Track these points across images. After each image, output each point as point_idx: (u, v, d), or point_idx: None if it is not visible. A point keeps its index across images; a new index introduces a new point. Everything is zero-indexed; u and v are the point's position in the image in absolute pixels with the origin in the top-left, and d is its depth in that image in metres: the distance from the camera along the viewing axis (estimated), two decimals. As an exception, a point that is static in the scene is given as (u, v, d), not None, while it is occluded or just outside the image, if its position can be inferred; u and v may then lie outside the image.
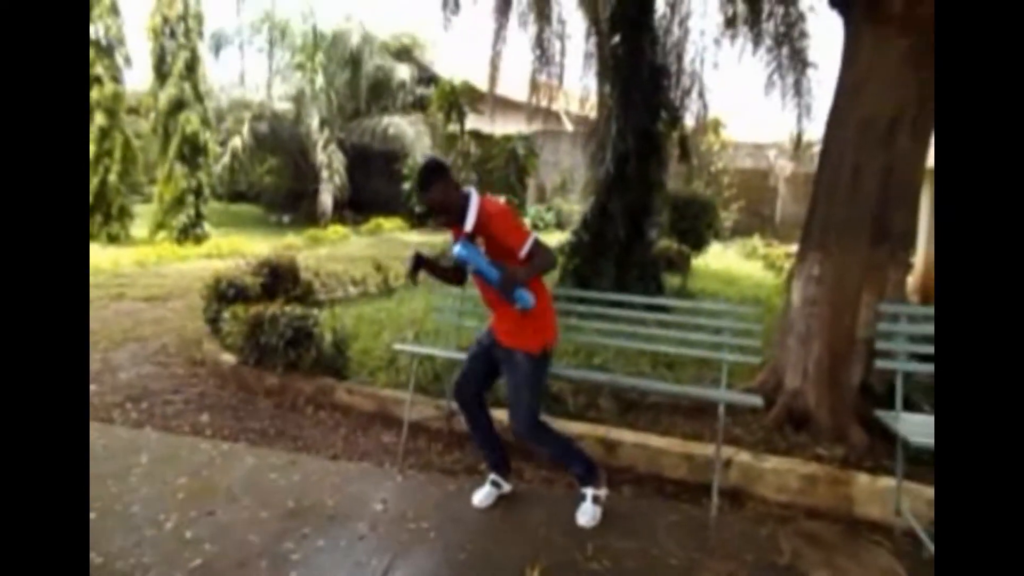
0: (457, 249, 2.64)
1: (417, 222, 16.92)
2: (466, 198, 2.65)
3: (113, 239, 12.56)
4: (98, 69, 12.29)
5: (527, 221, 14.57)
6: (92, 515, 2.69)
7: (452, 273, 3.05)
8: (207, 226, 13.28)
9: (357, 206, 17.29)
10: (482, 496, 2.92)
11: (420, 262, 2.83)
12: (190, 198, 12.87)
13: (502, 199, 2.72)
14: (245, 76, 20.43)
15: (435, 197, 2.64)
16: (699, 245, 9.30)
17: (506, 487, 2.97)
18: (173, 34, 12.61)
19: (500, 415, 3.12)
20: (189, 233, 12.70)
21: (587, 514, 2.76)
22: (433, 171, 2.65)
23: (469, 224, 2.61)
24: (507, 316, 2.73)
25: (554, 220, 16.09)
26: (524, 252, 2.59)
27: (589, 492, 2.79)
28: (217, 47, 17.93)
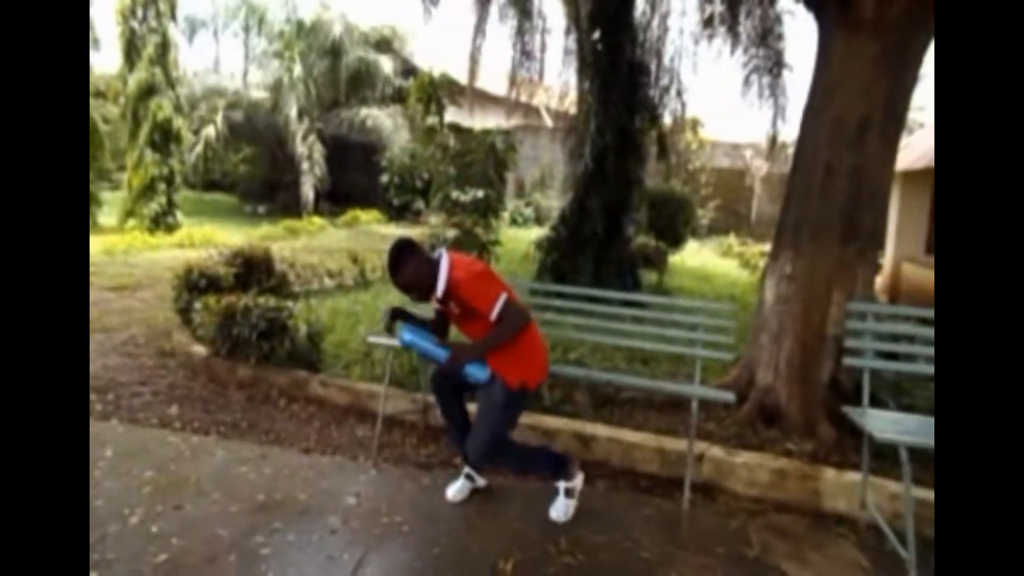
0: (404, 337, 2.73)
1: (395, 215, 16.80)
2: (435, 266, 2.63)
3: (80, 227, 12.24)
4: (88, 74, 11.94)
5: (505, 216, 14.54)
6: (55, 509, 2.62)
7: (432, 324, 2.94)
8: (179, 215, 13.00)
9: (334, 198, 17.08)
10: (456, 490, 2.92)
11: (395, 315, 2.84)
12: (161, 186, 12.55)
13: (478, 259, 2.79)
14: (220, 63, 20.04)
15: (406, 277, 2.64)
16: (676, 242, 9.40)
17: (480, 481, 2.97)
18: (144, 17, 12.27)
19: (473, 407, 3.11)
20: (160, 222, 12.41)
21: (559, 509, 2.77)
22: (402, 250, 2.64)
23: (439, 291, 2.62)
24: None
25: (532, 215, 16.11)
26: (493, 316, 2.58)
27: (561, 486, 2.80)
28: (191, 31, 17.54)
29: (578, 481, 2.83)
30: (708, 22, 7.67)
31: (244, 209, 17.59)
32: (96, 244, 10.23)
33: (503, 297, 2.59)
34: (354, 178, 17.69)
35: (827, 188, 3.52)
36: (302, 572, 2.33)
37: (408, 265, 2.63)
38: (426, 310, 2.97)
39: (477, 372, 2.64)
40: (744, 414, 3.58)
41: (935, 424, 2.33)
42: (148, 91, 12.39)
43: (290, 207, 16.16)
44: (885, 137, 3.51)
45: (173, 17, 12.91)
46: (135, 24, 12.27)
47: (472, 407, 3.03)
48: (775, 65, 7.64)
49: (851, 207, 3.48)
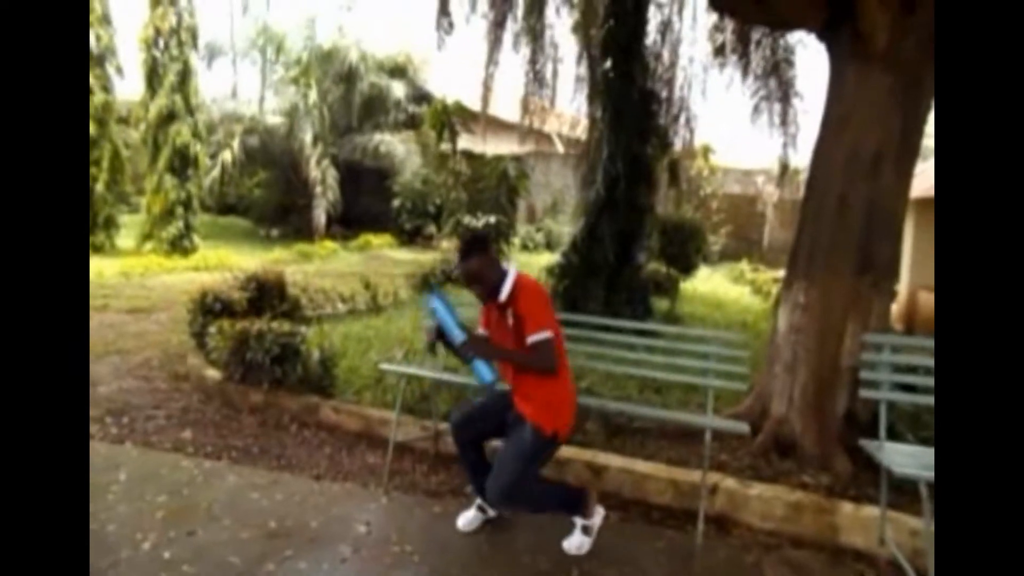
0: (433, 303, 2.71)
1: (406, 240, 16.92)
2: (504, 273, 2.69)
3: (98, 249, 12.41)
4: (89, 79, 12.24)
5: (516, 241, 14.60)
6: (68, 534, 2.63)
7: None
8: (196, 238, 13.19)
9: (347, 222, 17.26)
10: (467, 520, 2.89)
11: (439, 335, 2.79)
12: (179, 210, 12.78)
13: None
14: (237, 89, 20.46)
15: (474, 268, 2.68)
16: (687, 269, 9.37)
17: (492, 512, 2.94)
18: (166, 46, 12.61)
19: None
20: (178, 245, 12.60)
21: (573, 543, 2.73)
22: (478, 241, 2.72)
23: (504, 294, 2.64)
24: (525, 385, 2.70)
25: (544, 240, 16.16)
26: (530, 341, 2.57)
27: (579, 522, 2.75)
28: (210, 58, 17.96)
29: (597, 519, 2.78)
30: (719, 51, 7.78)
31: (258, 232, 17.81)
32: (114, 267, 10.39)
33: (549, 332, 2.59)
34: (367, 202, 17.89)
35: (841, 218, 3.52)
36: (312, 602, 2.31)
37: (479, 257, 2.67)
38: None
39: (484, 372, 2.59)
40: (758, 445, 3.53)
41: (935, 451, 2.29)
42: (168, 117, 12.68)
43: (303, 231, 16.35)
44: (900, 168, 3.51)
45: (195, 46, 13.24)
46: (157, 53, 12.60)
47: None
48: (785, 94, 7.72)
49: (865, 238, 3.47)
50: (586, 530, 2.74)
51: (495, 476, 2.59)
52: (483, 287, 2.70)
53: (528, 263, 10.36)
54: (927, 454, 2.70)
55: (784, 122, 7.94)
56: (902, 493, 2.84)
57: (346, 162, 17.02)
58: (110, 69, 13.00)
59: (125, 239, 13.33)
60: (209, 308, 5.05)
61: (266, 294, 5.59)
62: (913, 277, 8.18)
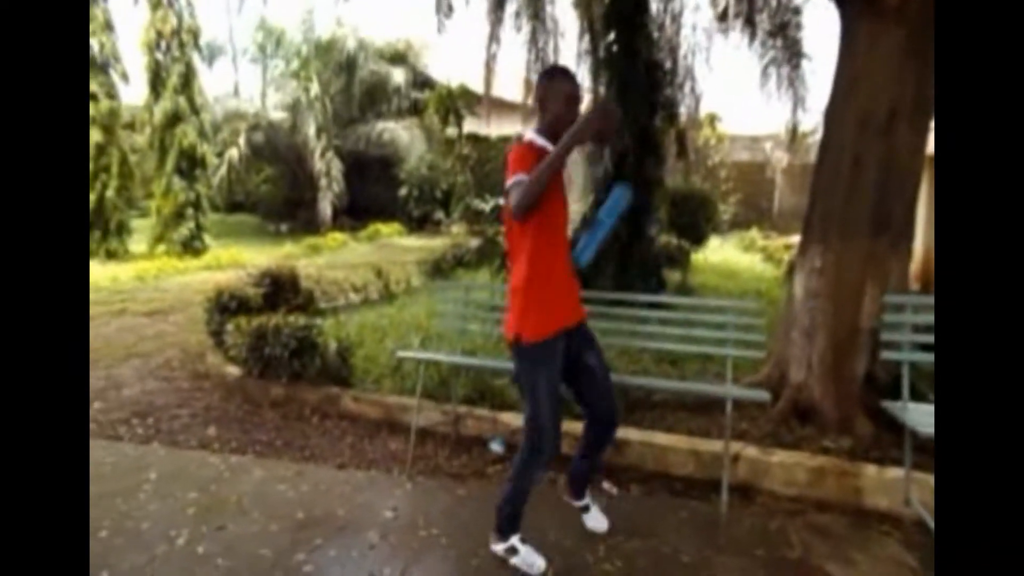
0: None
1: (415, 227, 16.94)
2: (540, 128, 2.35)
3: (112, 255, 12.55)
4: (93, 86, 12.28)
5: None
6: (103, 533, 2.69)
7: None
8: (207, 238, 13.29)
9: (354, 212, 17.31)
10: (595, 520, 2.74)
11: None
12: (189, 211, 12.87)
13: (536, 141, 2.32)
14: (239, 87, 20.48)
15: (536, 92, 2.39)
16: (698, 240, 9.29)
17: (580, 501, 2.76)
18: (168, 48, 12.60)
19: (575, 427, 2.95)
20: (189, 246, 12.72)
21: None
22: (546, 69, 2.45)
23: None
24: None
25: (553, 219, 16.08)
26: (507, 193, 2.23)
27: (497, 547, 2.46)
28: (210, 58, 17.96)
29: (508, 544, 2.44)
30: (723, 16, 7.63)
31: (267, 228, 17.91)
32: (128, 271, 10.51)
33: (516, 177, 2.17)
34: (373, 192, 17.91)
35: (856, 180, 3.46)
36: (344, 588, 2.35)
37: (540, 84, 2.38)
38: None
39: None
40: (778, 412, 3.52)
41: (935, 413, 2.27)
42: (173, 119, 12.73)
43: (312, 224, 16.42)
44: (915, 125, 3.43)
45: (196, 46, 13.22)
46: (159, 56, 12.61)
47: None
48: (793, 55, 7.57)
49: (881, 198, 3.42)
50: (510, 552, 2.43)
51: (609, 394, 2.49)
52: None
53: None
54: (951, 413, 2.68)
55: (792, 85, 7.79)
56: (925, 453, 2.82)
57: (351, 153, 17.03)
58: (114, 75, 13.02)
59: (137, 243, 13.46)
60: (225, 306, 5.11)
61: (280, 289, 5.65)
62: (928, 236, 8.06)
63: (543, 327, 2.27)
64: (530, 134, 2.35)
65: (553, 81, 2.34)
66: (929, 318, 2.89)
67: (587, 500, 2.76)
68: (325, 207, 16.27)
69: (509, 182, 2.19)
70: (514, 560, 2.42)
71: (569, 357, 2.38)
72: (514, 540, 2.45)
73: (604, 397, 2.48)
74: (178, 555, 2.56)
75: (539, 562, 2.41)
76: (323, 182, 16.03)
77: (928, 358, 2.88)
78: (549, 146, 2.28)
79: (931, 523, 2.61)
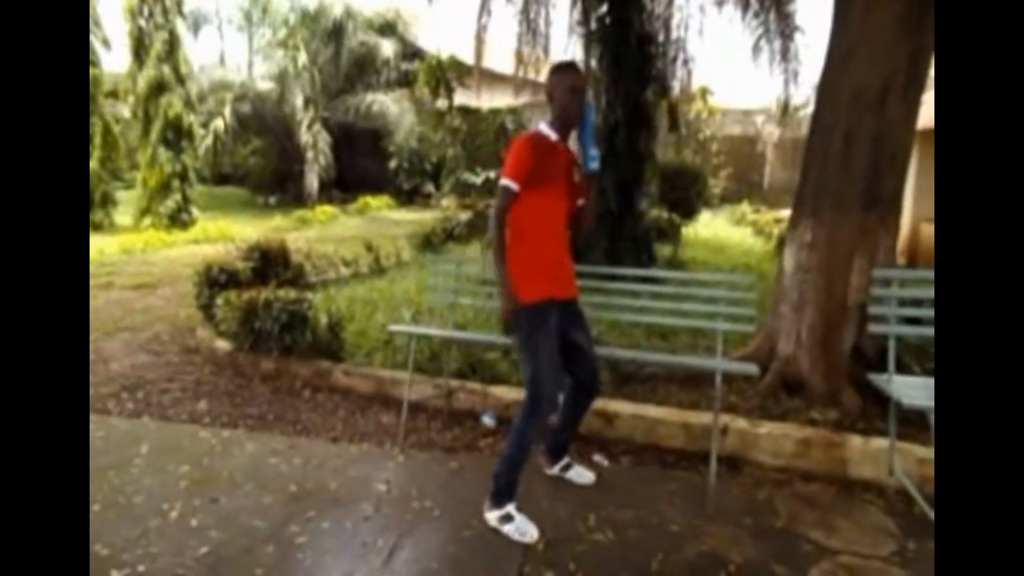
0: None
1: (405, 199, 16.80)
2: (552, 119, 2.64)
3: (97, 227, 12.37)
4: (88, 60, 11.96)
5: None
6: (95, 507, 2.70)
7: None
8: (194, 211, 13.11)
9: (343, 185, 17.12)
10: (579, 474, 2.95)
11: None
12: (176, 183, 12.66)
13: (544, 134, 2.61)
14: (225, 56, 20.05)
15: (546, 85, 2.64)
16: (689, 214, 9.33)
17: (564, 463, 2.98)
18: (151, 14, 12.26)
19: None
20: (176, 219, 12.54)
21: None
22: (556, 65, 2.70)
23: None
24: None
25: (544, 193, 16.00)
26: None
27: (492, 515, 2.54)
28: (195, 27, 17.53)
29: (502, 512, 2.53)
30: (715, -12, 7.52)
31: (255, 201, 17.70)
32: (114, 244, 10.37)
33: (503, 182, 2.49)
34: (363, 164, 17.70)
35: (847, 154, 3.46)
36: (338, 559, 2.38)
37: (549, 78, 2.64)
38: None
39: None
40: (766, 385, 3.57)
41: (935, 389, 2.29)
42: (158, 88, 12.43)
43: (301, 197, 16.23)
44: (907, 100, 3.42)
45: (180, 13, 12.86)
46: (142, 22, 12.26)
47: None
48: (786, 29, 7.49)
49: (872, 173, 3.42)
50: (504, 519, 2.51)
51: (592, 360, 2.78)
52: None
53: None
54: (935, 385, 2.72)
55: (785, 58, 7.72)
56: (909, 424, 2.88)
57: (339, 124, 16.76)
58: (95, 42, 12.68)
59: (122, 215, 13.27)
60: (215, 280, 5.07)
61: (270, 263, 5.60)
62: (916, 209, 8.10)
63: (535, 292, 2.55)
64: (541, 125, 2.63)
65: (558, 75, 2.62)
66: (915, 292, 2.93)
67: (566, 459, 2.94)
68: (313, 180, 16.07)
69: (500, 181, 2.49)
70: (507, 528, 2.48)
71: (560, 332, 2.59)
72: (510, 507, 2.53)
73: (589, 369, 2.78)
74: (171, 528, 2.57)
75: (532, 531, 2.48)
76: (310, 155, 15.81)
77: (913, 331, 2.93)
78: (556, 137, 2.59)
79: (913, 491, 2.67)
